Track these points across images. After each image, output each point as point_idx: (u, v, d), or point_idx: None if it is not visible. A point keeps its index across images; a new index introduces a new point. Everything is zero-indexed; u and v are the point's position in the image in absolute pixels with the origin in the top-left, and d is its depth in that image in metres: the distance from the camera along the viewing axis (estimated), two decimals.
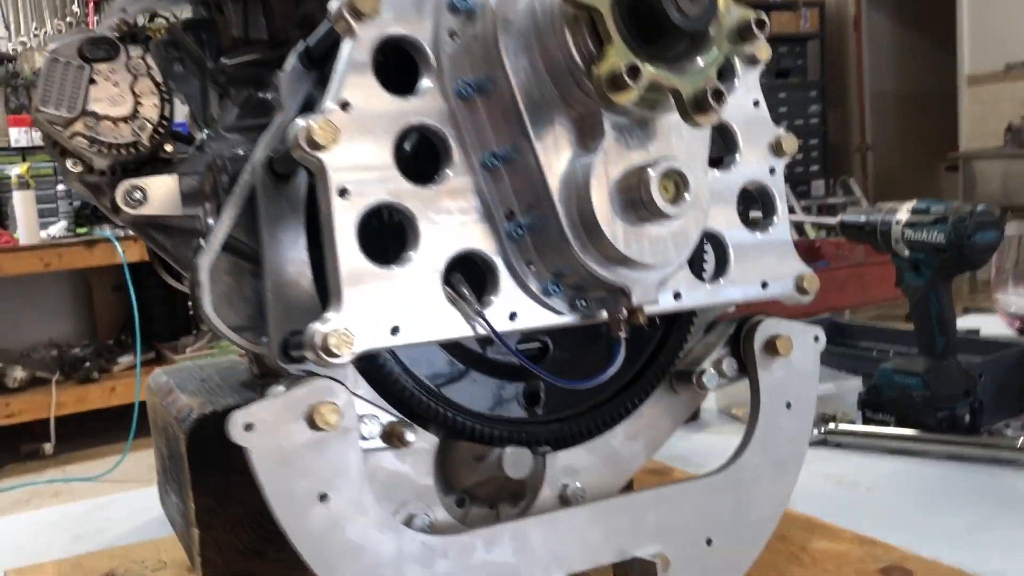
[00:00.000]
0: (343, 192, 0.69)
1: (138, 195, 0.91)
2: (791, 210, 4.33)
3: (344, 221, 0.68)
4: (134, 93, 1.00)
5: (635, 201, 0.70)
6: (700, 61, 0.69)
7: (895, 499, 1.22)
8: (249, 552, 0.98)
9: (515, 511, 0.86)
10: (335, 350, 0.67)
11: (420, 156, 0.74)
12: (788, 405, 0.92)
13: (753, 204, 0.90)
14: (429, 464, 0.81)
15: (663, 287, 0.79)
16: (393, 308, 0.70)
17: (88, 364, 4.97)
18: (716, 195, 0.85)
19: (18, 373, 4.86)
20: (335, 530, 0.71)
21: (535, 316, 0.75)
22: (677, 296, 0.82)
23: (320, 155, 0.68)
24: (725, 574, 0.88)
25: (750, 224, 0.87)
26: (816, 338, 0.94)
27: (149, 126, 0.99)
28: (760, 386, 0.91)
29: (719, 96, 0.67)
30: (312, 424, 0.70)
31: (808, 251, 3.57)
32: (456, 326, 0.72)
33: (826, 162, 8.29)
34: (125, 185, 0.91)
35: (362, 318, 0.68)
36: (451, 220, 0.72)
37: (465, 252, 0.73)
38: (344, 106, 0.69)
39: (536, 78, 0.71)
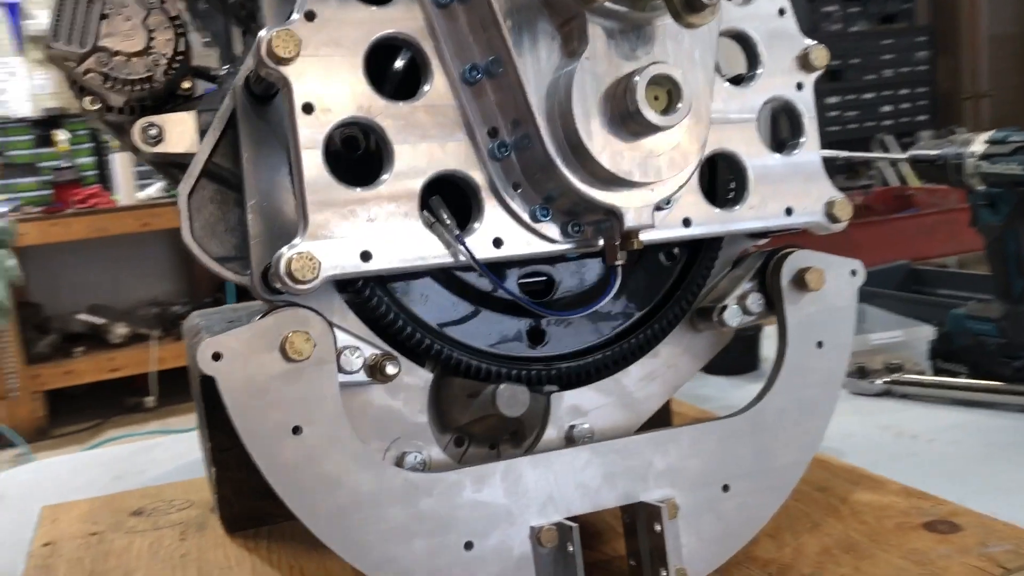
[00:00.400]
0: (308, 108, 0.65)
1: (154, 132, 0.89)
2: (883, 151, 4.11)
3: (309, 139, 0.65)
4: (147, 28, 0.98)
5: (623, 113, 0.64)
6: None
7: (955, 451, 1.13)
8: (264, 493, 0.97)
9: (518, 452, 0.82)
10: (298, 275, 0.63)
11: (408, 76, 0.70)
12: (819, 344, 0.85)
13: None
14: (423, 401, 0.77)
15: (667, 211, 0.73)
16: (364, 233, 0.66)
17: None
18: (737, 112, 0.78)
19: (121, 329, 5.05)
20: (310, 464, 0.68)
21: (523, 243, 0.70)
22: (687, 223, 0.76)
23: (282, 68, 0.64)
24: (744, 522, 0.81)
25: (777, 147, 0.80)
26: (854, 272, 0.86)
27: (164, 61, 0.97)
28: (787, 323, 0.84)
29: None
30: (284, 355, 0.67)
31: (898, 199, 3.37)
32: (434, 253, 0.68)
33: (935, 112, 7.88)
34: (141, 122, 0.88)
35: (329, 242, 0.65)
36: (429, 139, 0.68)
37: (445, 174, 0.68)
38: (309, 16, 0.65)
39: None
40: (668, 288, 0.86)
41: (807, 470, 1.04)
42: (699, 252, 0.86)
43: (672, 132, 0.66)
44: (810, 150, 0.81)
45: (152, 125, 0.87)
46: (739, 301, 0.85)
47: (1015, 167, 1.21)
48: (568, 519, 0.75)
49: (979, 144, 1.27)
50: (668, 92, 0.64)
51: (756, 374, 1.56)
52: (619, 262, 0.71)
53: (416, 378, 0.77)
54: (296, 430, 0.68)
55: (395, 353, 0.74)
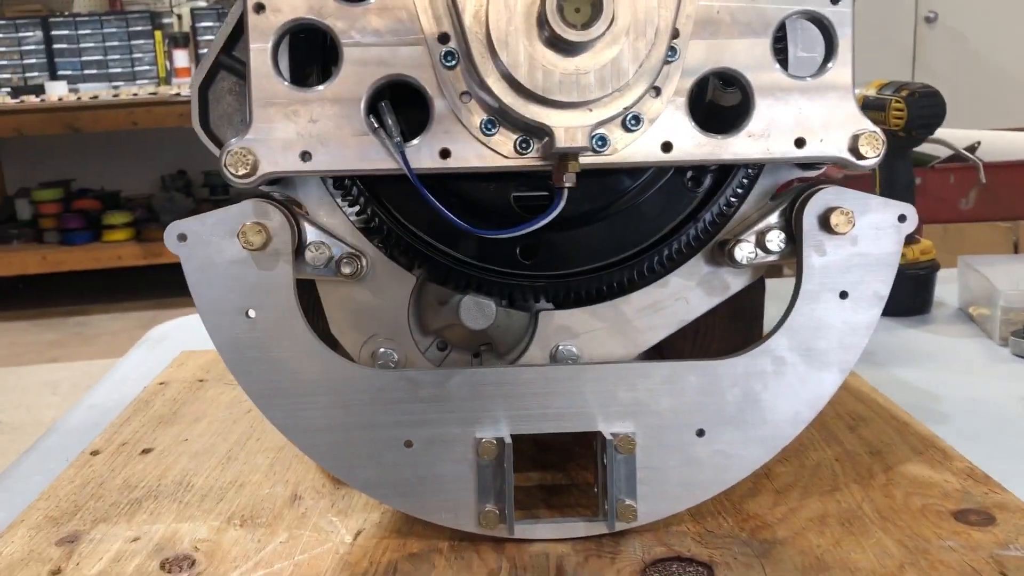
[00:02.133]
0: (259, 7, 0.67)
1: None
2: None
3: (259, 37, 0.67)
4: None
5: (541, 22, 0.60)
6: None
7: None
8: None
9: (501, 363, 0.82)
10: (232, 169, 0.67)
11: None
12: (843, 295, 0.75)
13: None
14: (403, 301, 0.80)
15: (639, 132, 0.68)
16: (307, 134, 0.68)
17: None
18: (745, 26, 0.69)
19: None
20: (257, 346, 0.73)
21: (471, 156, 0.69)
22: (666, 147, 0.70)
23: None
24: (718, 472, 0.76)
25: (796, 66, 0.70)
26: (903, 217, 0.75)
27: None
28: (804, 266, 0.75)
29: None
30: (240, 242, 0.72)
31: None
32: (375, 158, 0.69)
33: None
34: None
35: (269, 140, 0.68)
36: (379, 42, 0.68)
37: (393, 78, 0.68)
38: None
39: None
40: (686, 215, 0.80)
41: (872, 425, 0.95)
42: (727, 178, 0.79)
43: (602, 48, 0.61)
44: (840, 74, 0.70)
45: None
46: (758, 237, 0.78)
47: None
48: (520, 436, 0.75)
49: None
50: (591, 3, 0.59)
51: (926, 317, 1.40)
52: (567, 184, 0.68)
53: (399, 279, 0.79)
54: (247, 314, 0.73)
55: (365, 254, 0.76)
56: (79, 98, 5.07)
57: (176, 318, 1.50)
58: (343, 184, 0.76)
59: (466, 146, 0.69)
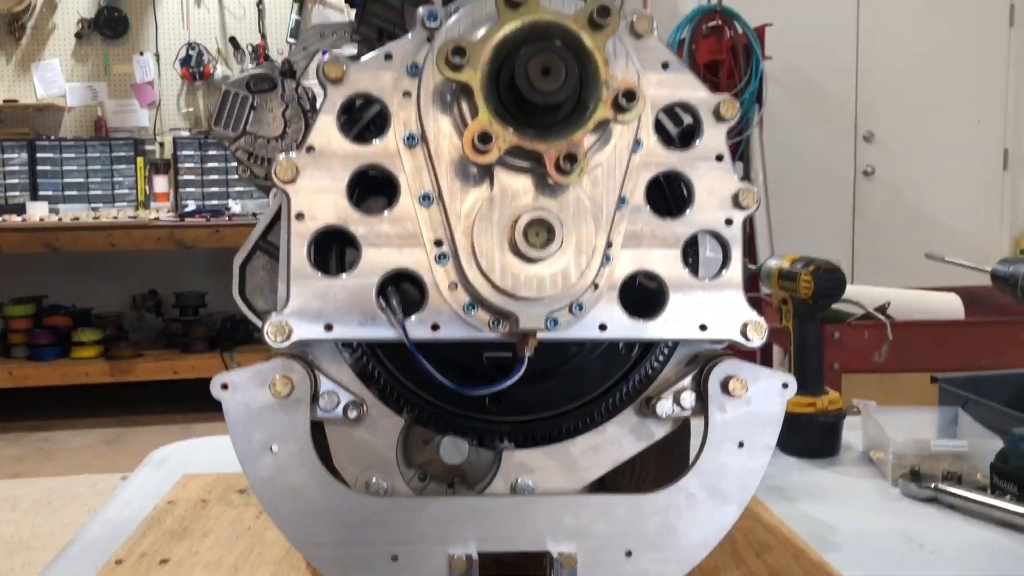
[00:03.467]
0: (300, 216, 0.89)
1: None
2: None
3: (298, 238, 0.89)
4: (284, 118, 1.28)
5: (511, 243, 0.83)
6: (574, 127, 0.79)
7: (952, 570, 1.16)
8: None
9: (470, 492, 1.01)
10: (274, 337, 0.88)
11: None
12: (740, 444, 0.97)
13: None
14: (393, 440, 0.99)
15: (581, 316, 0.90)
16: (331, 310, 0.89)
17: None
18: (662, 240, 0.93)
19: None
20: (279, 475, 0.92)
21: (455, 329, 0.90)
22: (602, 327, 0.92)
23: (285, 187, 0.89)
24: None
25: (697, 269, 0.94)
26: (785, 385, 0.97)
27: (294, 145, 1.26)
28: (710, 421, 0.96)
29: (572, 159, 0.78)
30: (270, 391, 0.91)
31: None
32: (382, 330, 0.90)
33: None
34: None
35: (302, 315, 0.89)
36: (390, 243, 0.90)
37: (399, 271, 0.90)
38: (309, 149, 0.89)
39: (454, 134, 0.86)
40: (620, 376, 1.01)
41: (775, 552, 1.15)
42: (652, 347, 1.01)
43: (555, 260, 0.83)
44: (733, 277, 0.94)
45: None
46: (675, 395, 0.99)
47: None
48: (485, 553, 0.94)
49: None
50: (547, 230, 0.82)
51: (834, 459, 1.61)
52: (528, 354, 0.89)
53: (391, 422, 0.99)
54: (271, 448, 0.92)
55: (366, 401, 0.96)
56: (60, 219, 5.27)
57: (173, 442, 1.67)
58: (351, 344, 0.97)
59: (452, 322, 0.90)
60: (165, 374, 5.15)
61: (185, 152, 6.00)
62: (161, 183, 5.93)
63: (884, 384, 2.60)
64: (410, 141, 0.89)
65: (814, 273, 1.55)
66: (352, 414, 0.94)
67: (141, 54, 6.01)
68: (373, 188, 0.93)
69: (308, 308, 0.89)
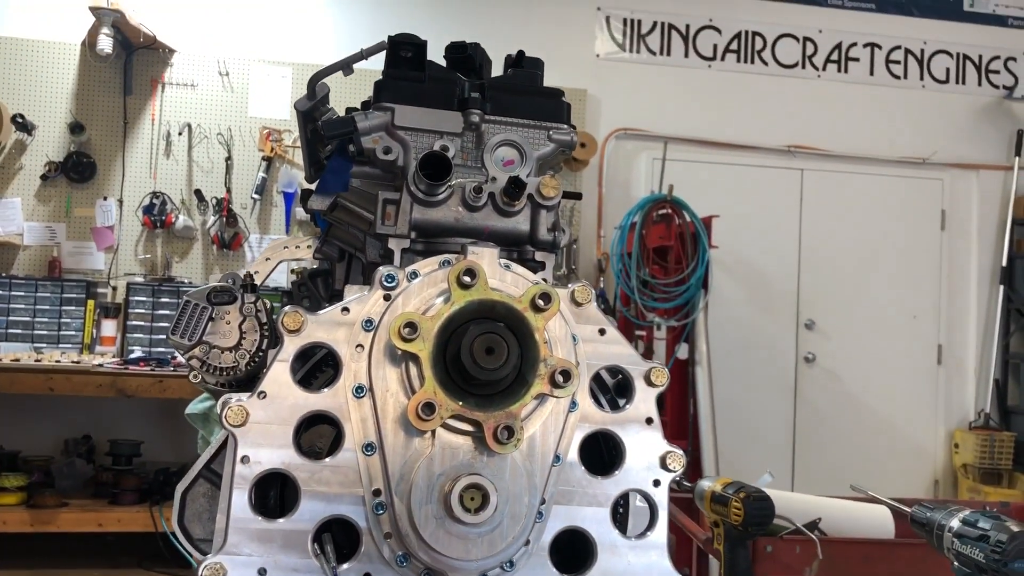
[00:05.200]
0: (245, 459, 0.92)
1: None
2: None
3: (240, 481, 0.92)
4: (240, 330, 1.32)
5: (447, 504, 0.87)
6: (513, 400, 0.85)
7: None
8: None
9: None
10: None
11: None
12: None
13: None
14: None
15: (511, 573, 0.93)
16: (266, 553, 0.91)
17: None
18: (592, 498, 0.97)
19: None
20: None
21: None
22: None
23: (234, 430, 0.92)
24: None
25: (624, 527, 0.98)
26: None
27: (247, 356, 1.31)
28: None
29: (509, 431, 0.83)
30: None
31: None
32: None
33: None
34: (223, 400, 1.20)
35: (238, 558, 0.90)
36: (329, 490, 0.93)
37: (336, 517, 0.93)
38: (261, 395, 0.93)
39: (401, 392, 0.91)
40: None
41: None
42: None
43: (489, 523, 0.87)
44: (658, 537, 0.98)
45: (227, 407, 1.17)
46: None
47: (978, 553, 1.27)
48: None
49: (956, 520, 1.34)
50: (483, 495, 0.86)
51: None
52: None
53: None
54: None
55: None
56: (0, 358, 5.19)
57: None
58: None
59: (384, 572, 0.93)
60: (89, 526, 4.96)
61: (137, 297, 6.00)
62: (109, 327, 5.89)
63: None
64: (358, 392, 0.94)
65: (744, 501, 1.60)
66: None
67: (105, 199, 6.09)
68: (317, 417, 0.97)
69: (244, 551, 0.91)
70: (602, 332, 0.99)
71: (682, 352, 5.49)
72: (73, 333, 6.01)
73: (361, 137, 1.09)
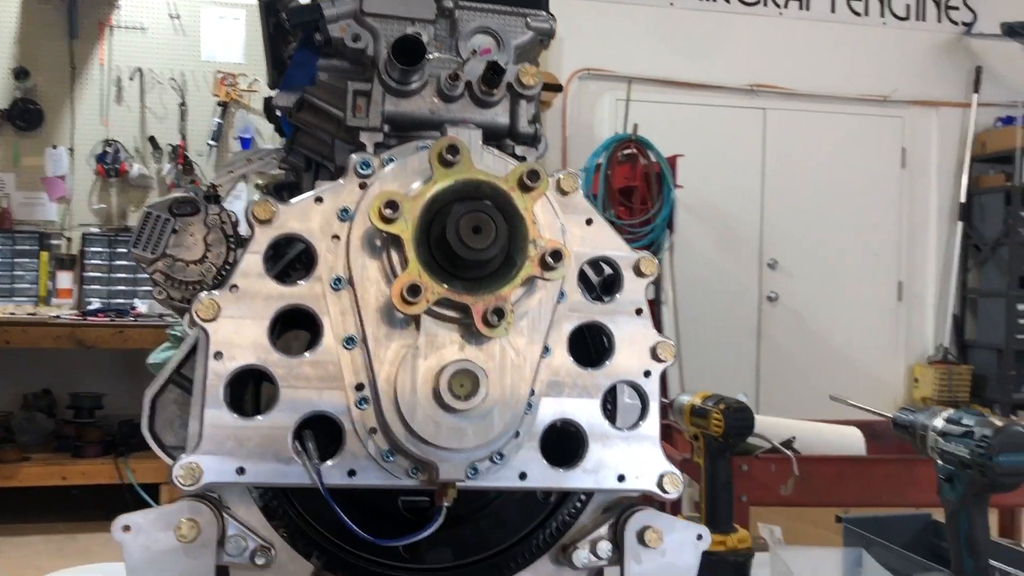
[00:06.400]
0: (218, 355, 0.88)
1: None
2: None
3: (215, 377, 0.87)
4: (206, 242, 1.26)
5: (436, 391, 0.83)
6: (502, 282, 0.81)
7: None
8: None
9: None
10: (182, 480, 0.85)
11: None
12: None
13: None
14: None
15: (501, 465, 0.90)
16: (244, 452, 0.87)
17: None
18: (582, 389, 0.94)
19: None
20: None
21: (372, 476, 0.89)
22: (523, 476, 0.92)
23: (205, 325, 0.87)
24: None
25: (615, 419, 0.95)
26: (700, 536, 0.98)
27: (213, 269, 1.25)
28: (626, 571, 0.96)
29: (499, 314, 0.79)
30: (175, 535, 0.88)
31: None
32: (297, 475, 0.88)
33: None
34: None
35: (214, 457, 0.86)
36: (309, 385, 0.89)
37: (317, 413, 0.89)
38: (232, 288, 0.89)
39: (382, 280, 0.86)
40: (538, 522, 1.01)
41: None
42: (569, 493, 1.01)
43: (478, 411, 0.84)
44: (650, 428, 0.95)
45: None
46: (592, 545, 0.99)
47: (962, 449, 1.27)
48: None
49: (939, 419, 1.33)
50: (472, 382, 0.82)
51: None
52: (447, 503, 0.88)
53: (299, 566, 0.96)
54: None
55: (274, 545, 0.93)
56: None
57: (52, 554, 1.57)
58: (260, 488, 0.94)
59: (369, 468, 0.89)
60: (53, 480, 4.88)
61: (93, 248, 5.85)
62: (65, 279, 5.74)
63: (790, 514, 2.63)
64: (336, 284, 0.89)
65: (724, 412, 1.58)
66: (260, 560, 0.91)
67: (55, 147, 5.90)
68: (292, 322, 0.93)
69: (220, 450, 0.87)
70: (589, 222, 0.95)
71: (648, 293, 5.49)
72: (27, 286, 5.86)
73: (328, 25, 1.03)
